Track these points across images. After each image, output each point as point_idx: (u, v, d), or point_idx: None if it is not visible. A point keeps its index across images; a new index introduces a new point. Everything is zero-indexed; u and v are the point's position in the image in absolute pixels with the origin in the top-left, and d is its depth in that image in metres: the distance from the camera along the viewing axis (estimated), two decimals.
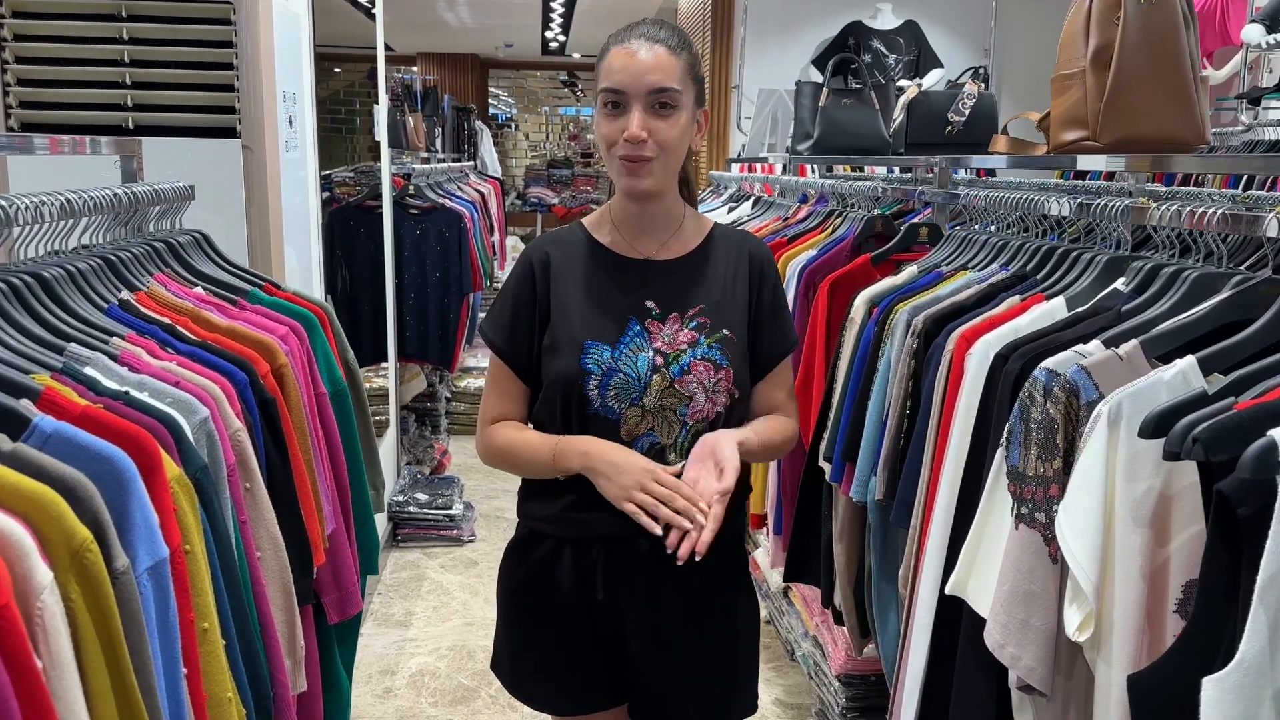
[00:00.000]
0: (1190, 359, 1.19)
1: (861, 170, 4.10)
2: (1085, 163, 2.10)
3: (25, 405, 0.92)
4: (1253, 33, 3.91)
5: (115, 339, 1.18)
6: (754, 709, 1.65)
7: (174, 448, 1.02)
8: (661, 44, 1.46)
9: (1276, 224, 1.30)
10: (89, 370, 1.06)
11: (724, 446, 1.47)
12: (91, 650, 0.78)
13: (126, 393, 1.05)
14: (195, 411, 1.09)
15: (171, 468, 0.98)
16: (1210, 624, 1.02)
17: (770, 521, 2.75)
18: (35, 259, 1.30)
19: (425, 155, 6.17)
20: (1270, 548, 0.94)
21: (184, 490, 0.99)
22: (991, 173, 3.60)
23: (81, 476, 0.83)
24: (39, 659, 0.72)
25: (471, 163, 7.98)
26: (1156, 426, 1.11)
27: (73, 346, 1.10)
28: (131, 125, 2.33)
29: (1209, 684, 0.96)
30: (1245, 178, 3.21)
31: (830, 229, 2.83)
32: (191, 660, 0.98)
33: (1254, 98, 4.05)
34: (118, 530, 0.87)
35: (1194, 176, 3.25)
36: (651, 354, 1.51)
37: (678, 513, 1.40)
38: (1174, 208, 1.44)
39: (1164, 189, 2.57)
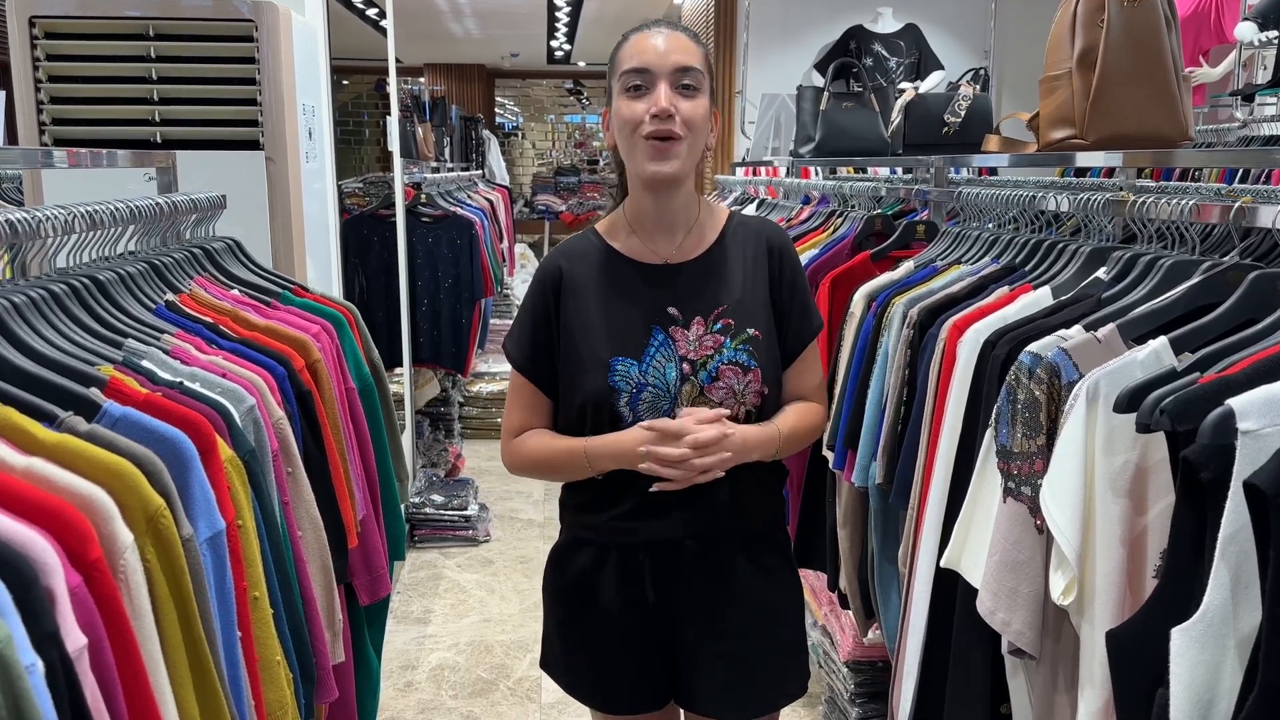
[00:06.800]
0: (1162, 339, 1.27)
1: (865, 171, 4.16)
2: (1084, 159, 2.16)
3: (94, 392, 1.02)
4: (1245, 30, 3.98)
5: (166, 335, 1.28)
6: (804, 689, 1.67)
7: (225, 432, 1.11)
8: (682, 32, 1.51)
9: (1243, 214, 1.39)
10: (146, 363, 1.16)
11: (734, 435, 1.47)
12: (166, 606, 0.88)
13: (181, 383, 1.14)
14: (242, 400, 1.19)
15: (225, 450, 1.08)
16: (1179, 580, 1.10)
17: None
18: (89, 263, 1.40)
19: (435, 165, 6.27)
20: (1230, 508, 1.01)
21: (236, 470, 1.09)
22: (994, 171, 3.65)
23: (150, 453, 0.93)
24: None
25: (480, 171, 8.07)
26: (1130, 402, 1.19)
27: (130, 342, 1.20)
28: (159, 139, 2.43)
29: (1177, 634, 1.04)
30: (1241, 171, 3.29)
31: (831, 229, 2.90)
32: (244, 625, 1.07)
33: (1248, 94, 4.11)
34: (181, 504, 0.97)
35: (1190, 172, 3.33)
36: (679, 362, 1.50)
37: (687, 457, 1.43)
38: (1150, 199, 1.52)
39: (1153, 184, 2.65)
